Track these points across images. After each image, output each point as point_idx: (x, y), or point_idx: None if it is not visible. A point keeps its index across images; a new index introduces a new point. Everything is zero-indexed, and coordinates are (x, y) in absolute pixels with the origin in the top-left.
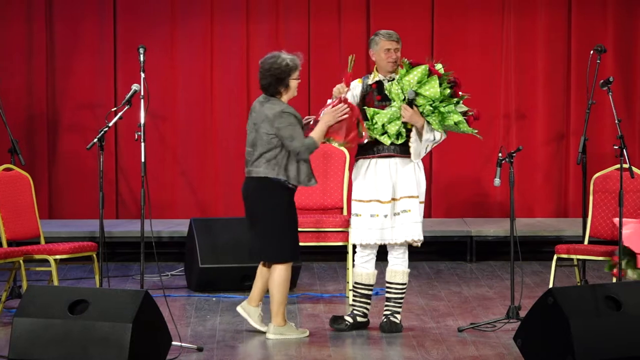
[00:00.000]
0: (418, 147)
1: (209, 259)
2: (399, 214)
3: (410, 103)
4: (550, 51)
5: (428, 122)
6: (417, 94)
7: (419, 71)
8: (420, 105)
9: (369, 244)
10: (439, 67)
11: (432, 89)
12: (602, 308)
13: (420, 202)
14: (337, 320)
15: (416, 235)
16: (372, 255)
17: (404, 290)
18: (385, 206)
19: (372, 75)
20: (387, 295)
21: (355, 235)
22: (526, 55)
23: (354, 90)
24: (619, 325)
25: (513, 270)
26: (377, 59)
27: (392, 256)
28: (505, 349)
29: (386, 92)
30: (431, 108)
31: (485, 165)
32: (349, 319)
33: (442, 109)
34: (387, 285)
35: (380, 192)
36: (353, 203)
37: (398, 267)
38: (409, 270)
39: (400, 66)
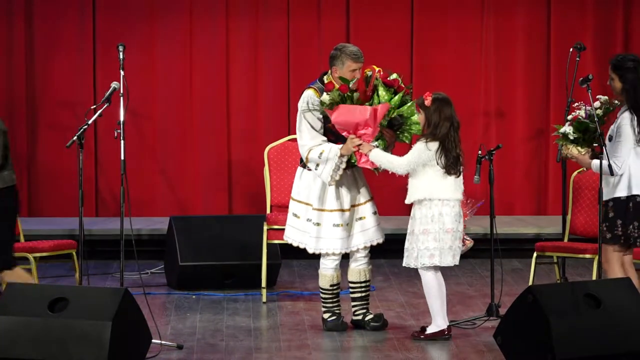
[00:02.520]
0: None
1: (189, 256)
2: (364, 217)
3: (390, 126)
4: (530, 49)
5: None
6: (402, 117)
7: (400, 96)
8: (396, 125)
9: (335, 252)
10: (394, 76)
11: (409, 109)
12: (581, 306)
13: None
14: (336, 323)
15: (383, 235)
16: (340, 257)
17: (369, 287)
18: (346, 214)
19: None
20: (356, 295)
21: (324, 244)
22: (506, 53)
23: (316, 103)
24: (598, 322)
25: (493, 267)
26: (340, 75)
27: (357, 256)
28: (485, 347)
29: None
30: (407, 126)
31: (464, 163)
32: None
33: (412, 121)
34: (354, 284)
35: (344, 201)
36: (310, 211)
37: (364, 266)
38: (370, 267)
39: (369, 85)
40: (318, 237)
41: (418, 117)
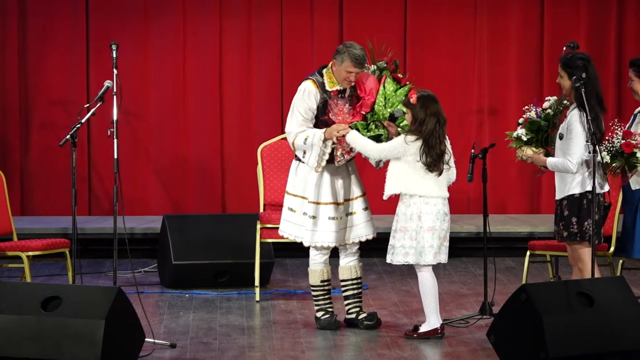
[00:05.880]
0: None
1: (182, 255)
2: (354, 213)
3: (392, 119)
4: (523, 47)
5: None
6: (403, 112)
7: (405, 90)
8: (397, 119)
9: (330, 246)
10: (400, 76)
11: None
12: (574, 304)
13: None
14: (329, 321)
15: (375, 230)
16: (329, 252)
17: (361, 284)
18: (340, 208)
19: (326, 79)
20: (348, 292)
21: (319, 237)
22: (499, 51)
23: (314, 96)
24: (591, 321)
25: (486, 266)
26: (336, 71)
27: (347, 253)
28: (479, 345)
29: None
30: (406, 122)
31: (458, 162)
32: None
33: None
34: (346, 282)
35: (339, 195)
36: (306, 204)
37: (355, 262)
38: (361, 263)
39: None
40: (314, 231)
41: (405, 116)
